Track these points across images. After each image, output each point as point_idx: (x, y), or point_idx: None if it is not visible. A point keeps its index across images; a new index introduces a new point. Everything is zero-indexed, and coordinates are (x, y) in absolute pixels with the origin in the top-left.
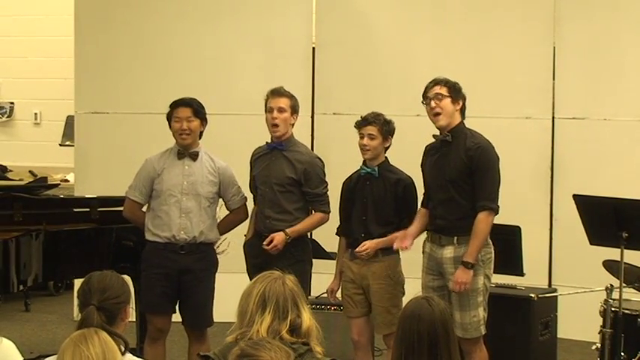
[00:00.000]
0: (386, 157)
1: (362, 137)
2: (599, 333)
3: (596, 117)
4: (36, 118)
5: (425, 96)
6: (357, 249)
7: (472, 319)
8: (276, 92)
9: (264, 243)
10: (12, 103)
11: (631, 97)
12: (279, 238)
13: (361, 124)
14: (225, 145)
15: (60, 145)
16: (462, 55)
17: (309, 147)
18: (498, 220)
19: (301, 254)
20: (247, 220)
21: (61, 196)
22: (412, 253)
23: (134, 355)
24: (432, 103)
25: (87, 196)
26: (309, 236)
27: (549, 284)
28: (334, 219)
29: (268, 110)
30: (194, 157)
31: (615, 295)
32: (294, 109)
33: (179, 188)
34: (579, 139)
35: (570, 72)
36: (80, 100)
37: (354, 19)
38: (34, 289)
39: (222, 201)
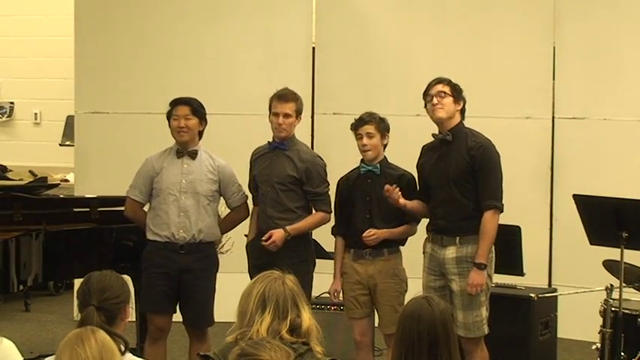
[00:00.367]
0: (384, 155)
1: (360, 138)
2: (599, 333)
3: (596, 117)
4: (36, 118)
5: (427, 93)
6: (364, 234)
7: (475, 318)
8: (283, 97)
9: (263, 239)
10: (12, 103)
11: (631, 97)
12: (278, 234)
13: (358, 124)
14: (225, 145)
15: (60, 145)
16: (462, 55)
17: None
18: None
19: (305, 254)
20: (247, 220)
21: (61, 196)
22: (413, 252)
23: (134, 355)
24: (435, 100)
25: (87, 196)
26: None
27: (549, 284)
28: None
29: (274, 114)
30: (193, 155)
31: (615, 295)
32: (299, 112)
33: (178, 187)
34: (579, 139)
35: (570, 72)
36: (80, 100)
37: (354, 19)
38: (34, 289)
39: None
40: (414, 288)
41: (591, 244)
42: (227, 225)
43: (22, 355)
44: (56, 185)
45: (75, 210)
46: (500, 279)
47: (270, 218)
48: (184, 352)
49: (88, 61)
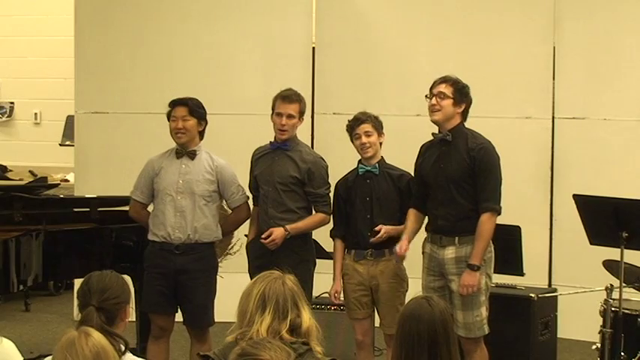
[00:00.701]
0: (382, 156)
1: (358, 137)
2: (599, 333)
3: (596, 117)
4: (36, 118)
5: (430, 91)
6: (376, 229)
7: (475, 318)
8: (287, 98)
9: (263, 237)
10: (12, 103)
11: (631, 97)
12: (278, 233)
13: (354, 124)
14: (225, 145)
15: (60, 145)
16: (462, 55)
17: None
18: (498, 219)
19: (306, 254)
20: (248, 220)
21: (61, 196)
22: (412, 253)
23: (134, 354)
24: (433, 100)
25: (87, 196)
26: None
27: (549, 284)
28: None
29: (277, 114)
30: (192, 156)
31: (615, 295)
32: (302, 113)
33: (174, 187)
34: (579, 139)
35: (570, 72)
36: (80, 100)
37: (354, 19)
38: (34, 289)
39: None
40: (414, 288)
41: (591, 244)
42: (228, 226)
43: (22, 355)
44: (56, 185)
45: (75, 210)
46: (500, 279)
47: (271, 218)
48: (184, 351)
49: (88, 61)
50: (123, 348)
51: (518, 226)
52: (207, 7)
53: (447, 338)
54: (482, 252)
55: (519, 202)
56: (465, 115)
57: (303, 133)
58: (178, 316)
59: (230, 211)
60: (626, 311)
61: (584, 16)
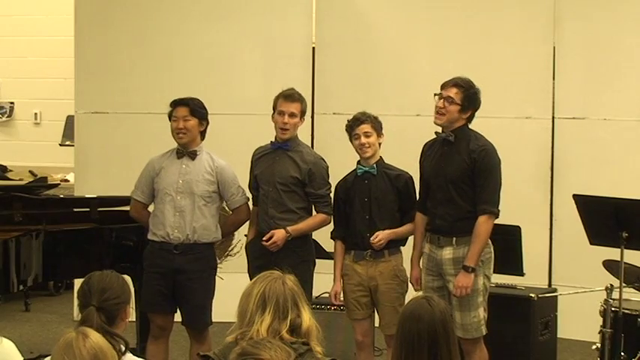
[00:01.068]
0: (380, 156)
1: (357, 138)
2: (599, 333)
3: (596, 117)
4: (36, 118)
5: (440, 92)
6: (372, 239)
7: (472, 319)
8: (289, 97)
9: (264, 239)
10: (12, 103)
11: (631, 97)
12: (279, 234)
13: (354, 124)
14: (225, 145)
15: (60, 145)
16: (462, 55)
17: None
18: (498, 219)
19: (306, 254)
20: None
21: (61, 196)
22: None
23: (134, 354)
24: (440, 103)
25: (87, 196)
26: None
27: (549, 284)
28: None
29: (279, 113)
30: (193, 156)
31: (615, 295)
32: (303, 113)
33: (174, 187)
34: (579, 139)
35: (570, 72)
36: (80, 100)
37: (353, 19)
38: (34, 289)
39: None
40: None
41: (591, 244)
42: (228, 227)
43: (22, 355)
44: (56, 185)
45: (75, 210)
46: (500, 279)
47: (271, 218)
48: (184, 351)
49: (88, 61)
50: (123, 348)
51: (518, 226)
52: (207, 8)
53: (447, 338)
54: (478, 254)
55: (519, 202)
56: (471, 118)
57: (303, 133)
58: (178, 316)
59: (231, 213)
60: (626, 311)
61: (584, 16)
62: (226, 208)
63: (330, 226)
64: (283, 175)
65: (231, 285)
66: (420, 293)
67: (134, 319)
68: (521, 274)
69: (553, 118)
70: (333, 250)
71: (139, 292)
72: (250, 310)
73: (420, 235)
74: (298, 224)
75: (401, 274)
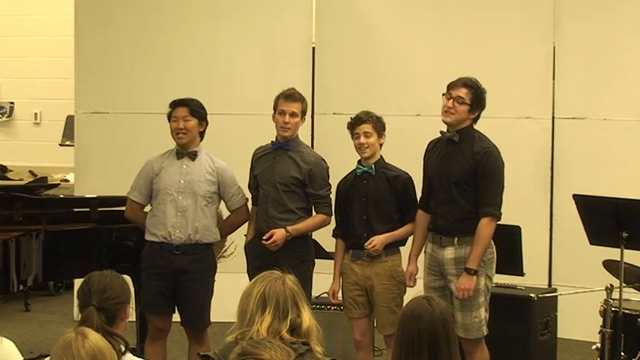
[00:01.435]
0: (381, 155)
1: (357, 137)
2: (599, 333)
3: (596, 117)
4: (36, 118)
5: (448, 91)
6: (366, 245)
7: (473, 319)
8: (290, 97)
9: (264, 238)
10: (12, 103)
11: (631, 97)
12: (279, 234)
13: (355, 123)
14: (225, 145)
15: (60, 145)
16: (462, 55)
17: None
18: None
19: (305, 254)
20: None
21: (61, 196)
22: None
23: (134, 354)
24: (450, 103)
25: (87, 196)
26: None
27: (549, 284)
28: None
29: (280, 112)
30: (193, 156)
31: (615, 295)
32: (304, 113)
33: (176, 187)
34: (579, 139)
35: (570, 72)
36: (80, 100)
37: (354, 19)
38: (34, 289)
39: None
40: (416, 288)
41: (591, 244)
42: (227, 228)
43: (22, 355)
44: (56, 185)
45: (75, 210)
46: (500, 279)
47: (270, 218)
48: (184, 352)
49: (88, 61)
50: (123, 348)
51: (518, 226)
52: (207, 7)
53: (448, 338)
54: (480, 256)
55: (519, 202)
56: (477, 118)
57: (303, 133)
58: (177, 317)
59: (223, 215)
60: (626, 311)
61: (584, 16)
62: (218, 210)
63: (331, 226)
64: (284, 175)
65: (231, 285)
66: (419, 290)
67: (134, 319)
68: (521, 274)
69: (553, 118)
70: (332, 250)
71: (138, 292)
72: (250, 310)
73: (421, 232)
74: (298, 224)
75: (397, 275)
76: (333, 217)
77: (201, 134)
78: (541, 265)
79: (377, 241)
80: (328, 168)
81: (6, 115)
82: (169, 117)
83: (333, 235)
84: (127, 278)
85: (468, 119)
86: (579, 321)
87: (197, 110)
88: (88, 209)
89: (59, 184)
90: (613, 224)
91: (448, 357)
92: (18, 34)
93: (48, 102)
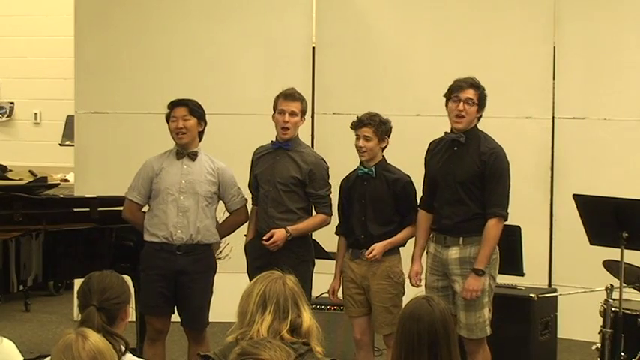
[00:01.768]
0: (383, 157)
1: (358, 139)
2: (599, 333)
3: (596, 117)
4: (36, 118)
5: (456, 94)
6: (366, 254)
7: (477, 319)
8: (290, 96)
9: (264, 238)
10: (12, 103)
11: (631, 97)
12: (279, 234)
13: (357, 125)
14: (225, 145)
15: (60, 145)
16: (462, 55)
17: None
18: None
19: (305, 254)
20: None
21: (61, 196)
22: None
23: (134, 355)
24: (461, 105)
25: (87, 196)
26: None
27: (549, 284)
28: (335, 219)
29: (279, 112)
30: (193, 157)
31: (615, 295)
32: (304, 113)
33: (177, 187)
34: (579, 139)
35: (570, 72)
36: (80, 100)
37: (354, 19)
38: (34, 289)
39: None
40: (416, 288)
41: (591, 244)
42: (226, 228)
43: (22, 355)
44: (56, 185)
45: (75, 210)
46: (500, 279)
47: (270, 218)
48: (184, 352)
49: (88, 61)
50: (123, 348)
51: (518, 226)
52: (207, 8)
53: (448, 338)
54: (488, 257)
55: (519, 202)
56: (480, 118)
57: (303, 133)
58: (176, 317)
59: (218, 218)
60: (626, 311)
61: (584, 16)
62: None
63: (331, 226)
64: (284, 176)
65: (231, 285)
66: (420, 290)
67: (134, 319)
68: (521, 274)
69: (553, 118)
70: (332, 250)
71: (138, 292)
72: (251, 309)
73: (423, 232)
74: (298, 224)
75: (395, 276)
76: (333, 217)
77: (200, 135)
78: (541, 265)
79: (377, 250)
80: (328, 168)
81: (6, 115)
82: (168, 118)
83: (336, 232)
84: (127, 278)
85: (475, 119)
86: (579, 321)
87: (196, 110)
88: (88, 209)
89: (59, 184)
90: (613, 224)
91: (448, 357)
92: (18, 34)
93: (48, 102)
